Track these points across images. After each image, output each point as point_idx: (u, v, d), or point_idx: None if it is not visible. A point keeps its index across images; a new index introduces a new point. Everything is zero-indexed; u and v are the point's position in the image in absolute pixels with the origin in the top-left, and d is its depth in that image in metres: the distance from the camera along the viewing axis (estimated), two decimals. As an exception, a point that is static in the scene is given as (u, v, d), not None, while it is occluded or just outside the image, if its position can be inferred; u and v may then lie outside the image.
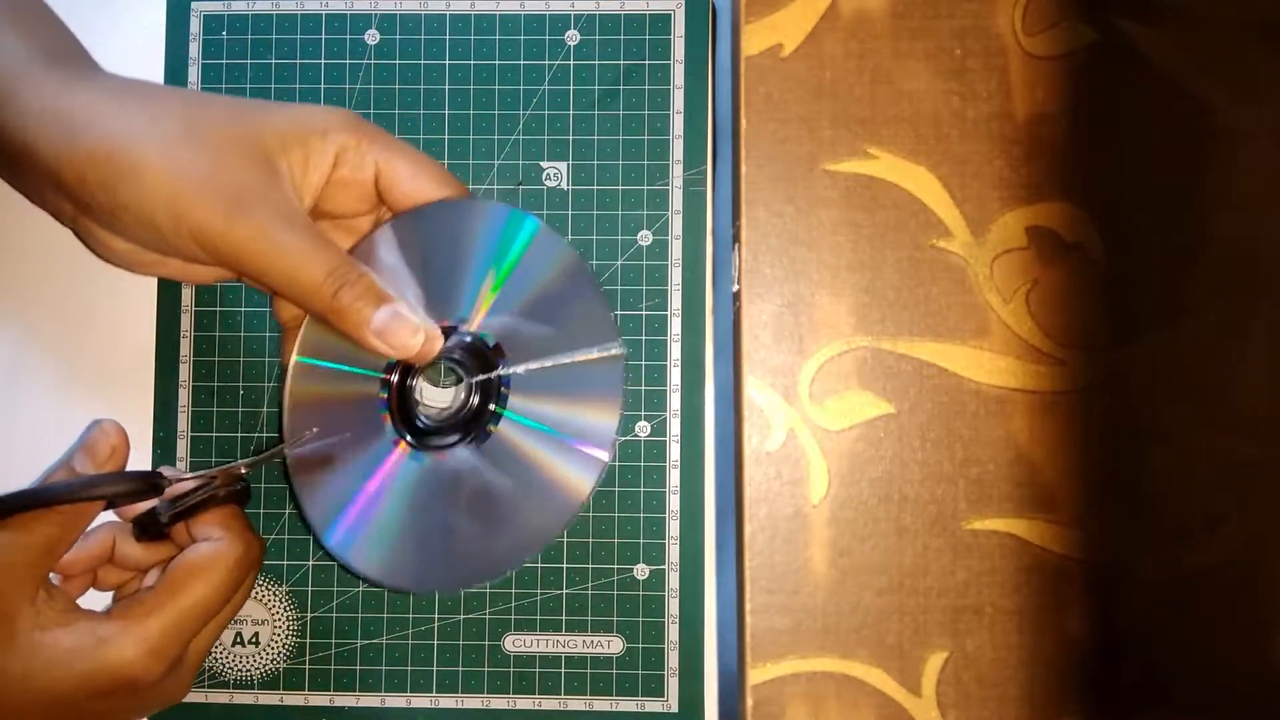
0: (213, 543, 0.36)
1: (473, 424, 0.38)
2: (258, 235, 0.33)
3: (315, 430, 0.37)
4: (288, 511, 0.41)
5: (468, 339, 0.38)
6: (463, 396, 0.38)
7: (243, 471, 0.37)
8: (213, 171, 0.33)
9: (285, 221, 0.34)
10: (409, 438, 0.38)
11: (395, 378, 0.38)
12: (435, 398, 0.39)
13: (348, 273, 0.34)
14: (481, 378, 0.38)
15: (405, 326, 0.35)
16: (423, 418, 0.38)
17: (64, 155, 0.33)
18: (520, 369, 0.37)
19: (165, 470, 0.37)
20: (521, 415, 0.37)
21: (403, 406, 0.38)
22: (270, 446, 0.39)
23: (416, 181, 0.37)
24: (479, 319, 0.38)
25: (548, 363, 0.37)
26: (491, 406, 0.37)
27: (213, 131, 0.34)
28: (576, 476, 0.37)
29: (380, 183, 0.37)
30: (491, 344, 0.38)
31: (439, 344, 0.36)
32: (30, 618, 0.34)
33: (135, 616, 0.34)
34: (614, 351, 0.37)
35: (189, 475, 0.37)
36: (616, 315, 0.40)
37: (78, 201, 0.34)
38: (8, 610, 0.34)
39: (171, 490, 0.36)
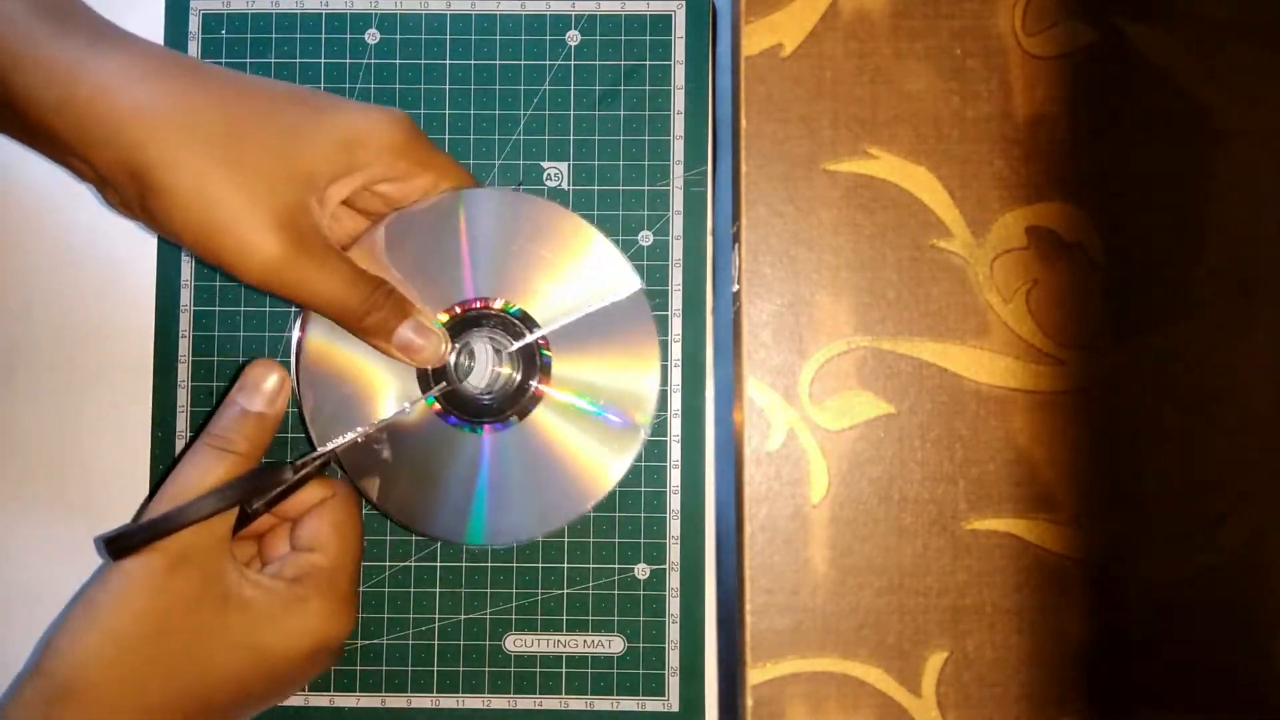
0: (332, 499, 0.37)
1: (519, 396, 0.39)
2: (288, 275, 0.34)
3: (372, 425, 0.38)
4: (288, 511, 0.41)
5: (494, 315, 0.39)
6: (506, 371, 0.39)
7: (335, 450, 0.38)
8: (249, 203, 0.32)
9: (318, 257, 0.34)
10: (465, 420, 0.39)
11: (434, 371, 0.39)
12: (475, 380, 0.40)
13: (377, 299, 0.36)
14: (519, 345, 0.39)
15: (423, 339, 0.37)
16: (480, 397, 0.39)
17: (87, 153, 0.32)
18: (546, 331, 0.39)
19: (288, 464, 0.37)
20: (560, 387, 0.39)
21: (452, 395, 0.39)
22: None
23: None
24: (502, 295, 0.39)
25: (575, 316, 0.39)
26: (533, 383, 0.39)
27: (254, 151, 0.32)
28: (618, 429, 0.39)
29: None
30: (518, 314, 0.39)
31: (447, 349, 0.38)
32: (237, 577, 0.34)
33: (323, 578, 0.36)
34: (633, 290, 0.39)
35: (308, 459, 0.37)
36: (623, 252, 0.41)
37: (100, 184, 0.34)
38: (211, 568, 0.34)
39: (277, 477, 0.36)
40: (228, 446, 0.35)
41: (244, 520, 0.36)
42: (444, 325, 0.39)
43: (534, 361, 0.39)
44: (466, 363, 0.39)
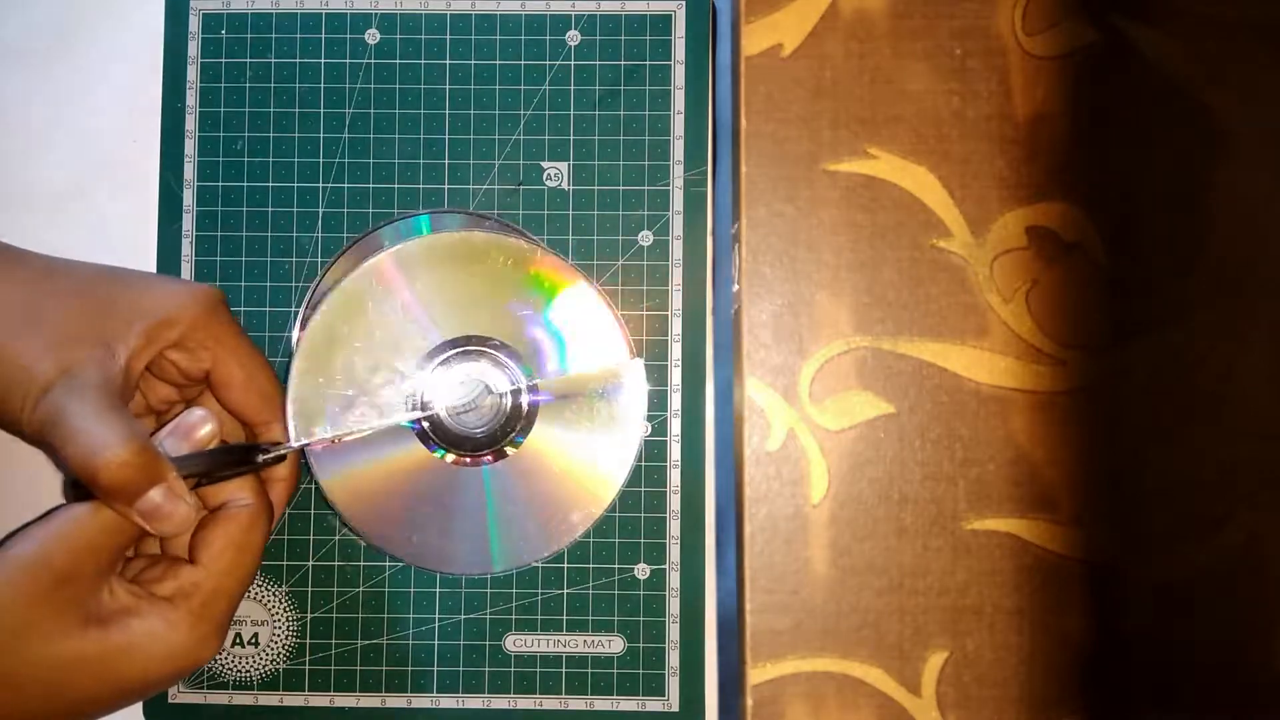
0: (243, 512, 0.36)
1: (514, 423, 0.40)
2: (50, 417, 0.34)
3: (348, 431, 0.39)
4: (287, 512, 0.41)
5: (488, 354, 0.40)
6: (491, 407, 0.40)
7: (273, 454, 0.37)
8: (33, 360, 0.34)
9: (90, 408, 0.33)
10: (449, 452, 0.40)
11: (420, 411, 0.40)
12: (473, 420, 0.40)
13: (129, 457, 0.33)
14: (507, 389, 0.40)
15: (171, 506, 0.34)
16: (473, 432, 0.40)
17: None
18: (538, 384, 0.40)
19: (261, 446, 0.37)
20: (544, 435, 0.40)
21: (438, 427, 0.40)
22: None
23: (245, 393, 0.37)
24: (499, 335, 0.40)
25: (563, 375, 0.40)
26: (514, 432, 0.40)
27: (50, 321, 0.34)
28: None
29: (212, 380, 0.37)
30: (510, 357, 0.40)
31: (189, 521, 0.35)
32: (106, 602, 0.34)
33: (200, 600, 0.35)
34: (625, 361, 0.40)
35: (278, 450, 0.37)
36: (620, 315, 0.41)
37: None
38: (80, 595, 0.33)
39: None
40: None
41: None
42: (437, 358, 0.40)
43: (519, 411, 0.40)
44: (466, 400, 0.40)
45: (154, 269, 0.42)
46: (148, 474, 0.33)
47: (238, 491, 0.36)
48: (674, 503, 0.41)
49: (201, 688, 0.40)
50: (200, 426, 0.36)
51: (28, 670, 0.33)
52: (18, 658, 0.33)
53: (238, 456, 0.36)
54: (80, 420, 0.33)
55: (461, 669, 0.40)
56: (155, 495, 0.33)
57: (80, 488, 0.33)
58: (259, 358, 0.38)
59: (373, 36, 0.42)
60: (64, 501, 0.35)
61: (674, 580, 0.40)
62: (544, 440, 0.40)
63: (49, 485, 0.42)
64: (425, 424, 0.39)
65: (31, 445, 0.35)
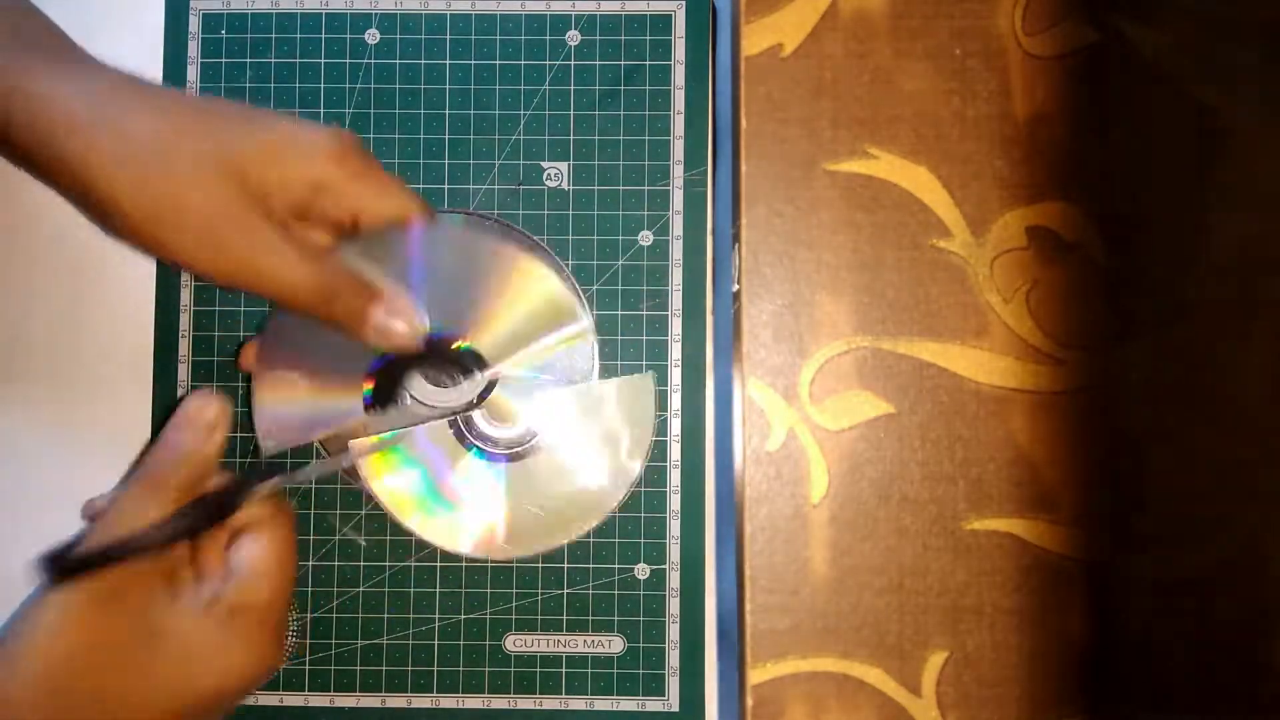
0: (275, 525, 0.36)
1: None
2: (242, 266, 0.33)
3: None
4: (288, 511, 0.41)
5: (446, 350, 0.38)
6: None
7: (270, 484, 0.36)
8: (185, 204, 0.33)
9: (264, 247, 0.34)
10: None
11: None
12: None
13: (339, 284, 0.35)
14: (468, 384, 0.39)
15: (400, 321, 0.36)
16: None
17: (45, 170, 0.33)
18: (498, 372, 0.39)
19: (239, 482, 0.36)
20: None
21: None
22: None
23: (385, 217, 0.37)
24: (461, 333, 0.38)
25: (523, 366, 0.39)
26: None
27: (184, 155, 0.33)
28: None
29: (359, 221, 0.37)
30: (468, 352, 0.39)
31: (425, 327, 0.37)
32: (168, 614, 0.33)
33: (260, 614, 0.34)
34: (582, 327, 0.38)
35: (267, 486, 0.36)
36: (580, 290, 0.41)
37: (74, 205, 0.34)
38: (143, 604, 0.33)
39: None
40: (161, 486, 0.34)
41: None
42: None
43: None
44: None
45: (154, 268, 0.42)
46: (366, 294, 0.35)
47: (257, 509, 0.36)
48: (674, 503, 0.41)
49: (201, 688, 0.40)
50: (204, 412, 0.35)
51: (104, 690, 0.32)
52: (97, 683, 0.32)
53: (226, 507, 0.35)
54: (269, 255, 0.33)
55: (461, 669, 0.40)
56: (379, 314, 0.35)
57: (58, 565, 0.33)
58: (397, 185, 0.37)
59: (373, 36, 0.42)
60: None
61: (674, 580, 0.40)
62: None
63: (49, 484, 0.42)
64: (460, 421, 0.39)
65: (218, 285, 0.34)
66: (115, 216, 0.33)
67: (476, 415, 0.39)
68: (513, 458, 0.39)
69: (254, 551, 0.35)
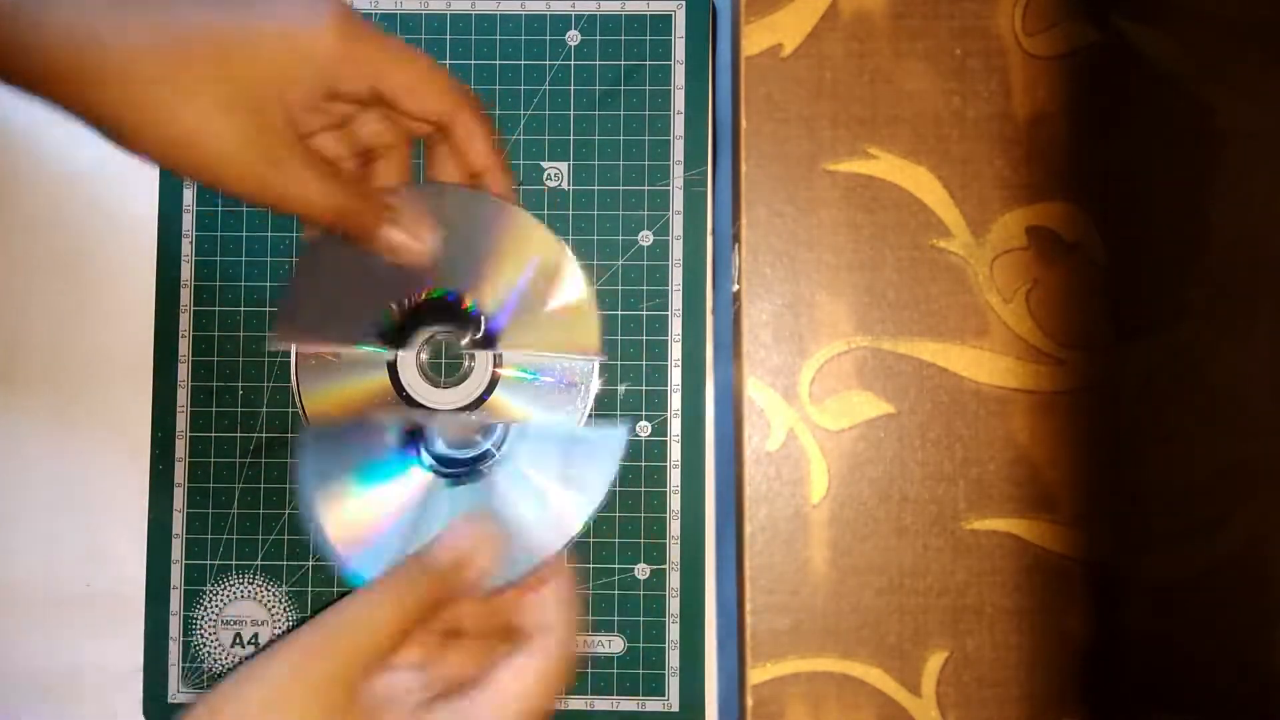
0: (547, 624, 0.33)
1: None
2: (260, 191, 0.33)
3: None
4: (287, 511, 0.41)
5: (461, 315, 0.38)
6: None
7: None
8: (197, 142, 0.33)
9: (280, 175, 0.33)
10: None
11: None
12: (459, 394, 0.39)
13: (353, 204, 0.35)
14: (473, 349, 0.38)
15: (411, 238, 0.36)
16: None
17: (51, 94, 0.32)
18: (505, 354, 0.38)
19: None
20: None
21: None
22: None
23: (419, 98, 0.35)
24: (477, 300, 0.38)
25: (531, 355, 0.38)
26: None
27: (191, 95, 0.33)
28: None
29: (385, 99, 0.35)
30: (475, 312, 0.38)
31: (435, 246, 0.36)
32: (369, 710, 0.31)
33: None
34: (580, 295, 0.37)
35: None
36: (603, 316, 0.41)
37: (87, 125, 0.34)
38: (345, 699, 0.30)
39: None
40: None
41: None
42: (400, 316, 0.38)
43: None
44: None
45: (154, 268, 0.42)
46: (381, 210, 0.35)
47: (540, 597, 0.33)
48: (674, 503, 0.41)
49: (202, 687, 0.40)
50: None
51: None
52: None
53: None
54: (289, 164, 0.33)
55: (461, 669, 0.40)
56: (390, 230, 0.35)
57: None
58: (413, 54, 0.35)
59: (373, 36, 0.42)
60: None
61: (674, 580, 0.40)
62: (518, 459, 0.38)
63: (49, 485, 0.42)
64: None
65: (235, 195, 0.34)
66: (123, 141, 0.33)
67: (435, 433, 0.38)
68: (458, 480, 0.38)
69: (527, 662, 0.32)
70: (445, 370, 0.40)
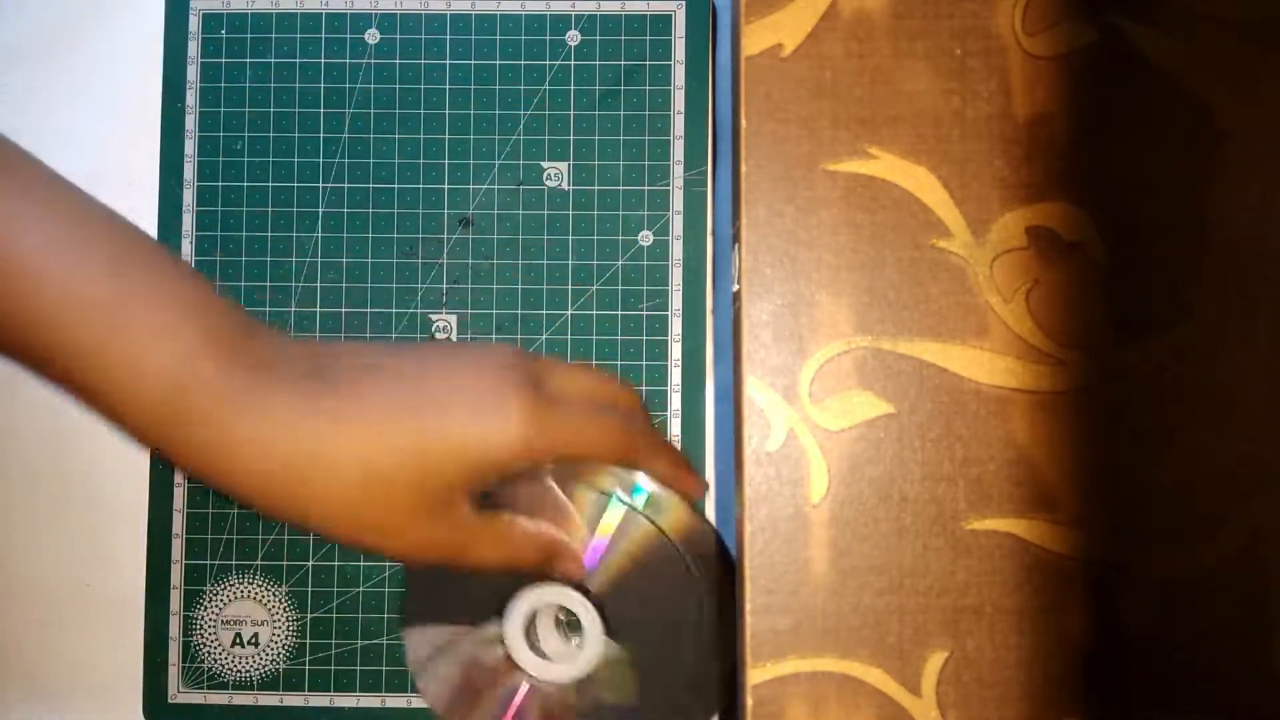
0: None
1: None
2: (438, 557, 0.35)
3: None
4: (287, 511, 0.41)
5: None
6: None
7: None
8: (386, 526, 0.33)
9: (458, 543, 0.35)
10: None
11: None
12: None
13: (521, 556, 0.37)
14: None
15: (570, 567, 0.38)
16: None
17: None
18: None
19: None
20: None
21: None
22: None
23: (601, 457, 0.37)
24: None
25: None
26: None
27: (391, 486, 0.33)
28: None
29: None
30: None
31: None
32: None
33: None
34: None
35: None
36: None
37: None
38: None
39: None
40: None
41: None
42: None
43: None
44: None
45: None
46: (574, 557, 0.38)
47: None
48: (674, 503, 0.41)
49: (201, 687, 0.40)
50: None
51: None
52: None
53: None
54: (483, 546, 0.35)
55: (461, 669, 0.40)
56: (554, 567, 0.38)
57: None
58: (601, 421, 0.37)
59: (373, 36, 0.42)
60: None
61: (674, 580, 0.40)
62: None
63: (48, 485, 0.42)
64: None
65: None
66: (335, 538, 0.34)
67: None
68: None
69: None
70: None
